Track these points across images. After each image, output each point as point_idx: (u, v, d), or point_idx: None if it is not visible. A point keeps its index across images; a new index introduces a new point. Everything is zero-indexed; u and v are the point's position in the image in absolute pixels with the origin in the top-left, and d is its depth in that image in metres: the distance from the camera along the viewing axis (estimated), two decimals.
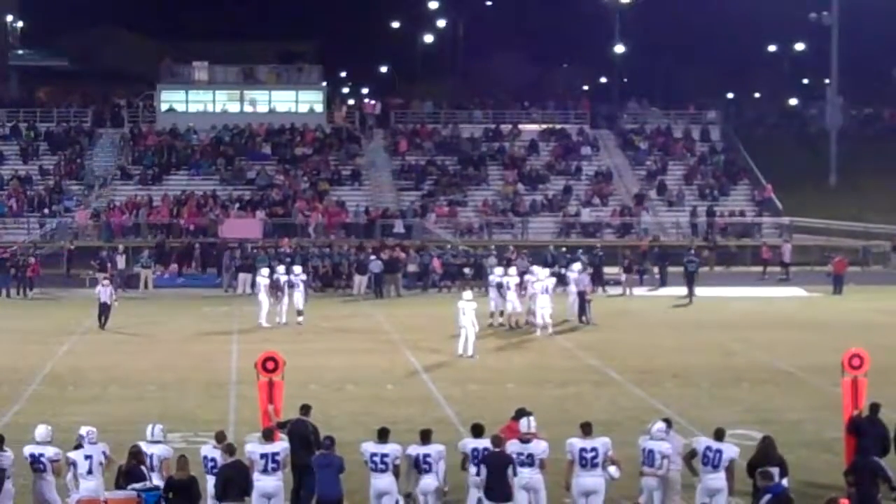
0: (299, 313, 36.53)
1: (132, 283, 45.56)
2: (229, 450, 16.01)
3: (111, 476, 16.25)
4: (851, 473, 16.45)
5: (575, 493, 16.42)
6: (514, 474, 16.31)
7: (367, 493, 16.63)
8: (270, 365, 18.31)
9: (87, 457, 16.16)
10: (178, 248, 49.80)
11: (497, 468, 16.20)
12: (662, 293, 44.93)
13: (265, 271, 37.39)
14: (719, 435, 16.66)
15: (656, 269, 47.32)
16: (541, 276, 35.11)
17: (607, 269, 45.80)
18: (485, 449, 16.51)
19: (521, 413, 17.58)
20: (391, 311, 40.27)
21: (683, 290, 43.16)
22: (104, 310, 35.31)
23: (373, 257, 45.15)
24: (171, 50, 77.69)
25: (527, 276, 35.95)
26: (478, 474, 16.38)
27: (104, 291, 35.44)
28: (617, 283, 45.62)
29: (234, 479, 15.62)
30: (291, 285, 36.82)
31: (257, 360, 18.65)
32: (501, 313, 35.91)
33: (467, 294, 32.22)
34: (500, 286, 35.80)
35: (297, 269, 38.16)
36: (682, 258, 44.62)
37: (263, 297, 36.32)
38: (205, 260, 48.85)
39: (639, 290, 45.15)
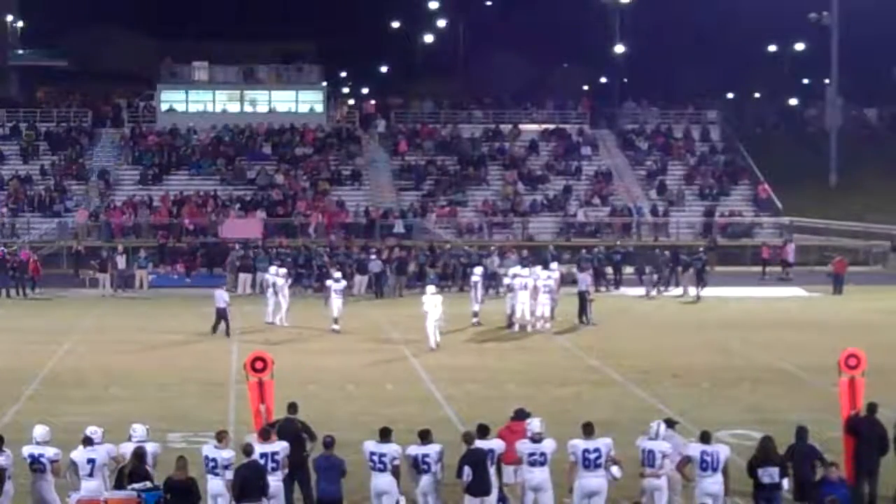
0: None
1: (131, 283, 45.65)
2: (246, 450, 16.07)
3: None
4: (790, 458, 16.57)
5: (578, 495, 16.38)
6: (492, 464, 16.41)
7: (368, 493, 16.65)
8: (259, 365, 18.28)
9: (90, 460, 16.13)
10: (182, 248, 49.69)
11: (479, 464, 16.26)
12: (676, 293, 44.76)
13: (282, 271, 37.11)
14: (706, 438, 16.68)
15: (669, 271, 47.18)
16: (522, 274, 35.47)
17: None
18: (490, 450, 16.53)
19: (520, 413, 17.58)
20: (391, 311, 40.26)
21: (694, 291, 43.41)
22: (223, 315, 33.85)
23: (373, 257, 45.18)
24: (171, 50, 77.47)
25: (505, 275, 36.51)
26: (458, 476, 16.35)
27: (222, 296, 34.03)
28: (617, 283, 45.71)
29: (252, 480, 15.66)
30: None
31: (245, 360, 18.64)
32: (476, 313, 36.06)
33: (431, 288, 33.50)
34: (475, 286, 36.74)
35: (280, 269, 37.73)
36: (689, 258, 44.90)
37: (281, 297, 35.97)
38: (210, 260, 48.78)
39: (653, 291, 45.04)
